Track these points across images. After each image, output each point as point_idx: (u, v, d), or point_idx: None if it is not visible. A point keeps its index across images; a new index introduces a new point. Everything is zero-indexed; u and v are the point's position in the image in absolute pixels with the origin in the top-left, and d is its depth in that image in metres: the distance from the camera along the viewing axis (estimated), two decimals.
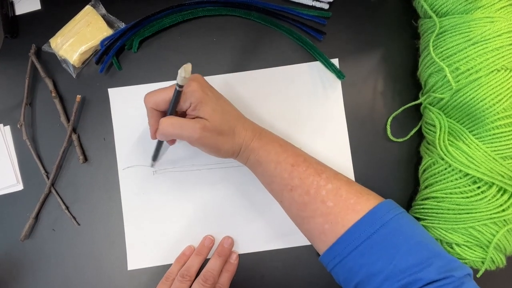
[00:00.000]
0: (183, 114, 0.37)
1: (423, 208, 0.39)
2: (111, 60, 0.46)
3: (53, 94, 0.45)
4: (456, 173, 0.37)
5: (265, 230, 0.44)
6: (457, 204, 0.37)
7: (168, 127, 0.35)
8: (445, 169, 0.38)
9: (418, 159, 0.44)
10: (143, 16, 0.45)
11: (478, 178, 0.36)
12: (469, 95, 0.36)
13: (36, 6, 0.48)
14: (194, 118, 0.36)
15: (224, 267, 0.43)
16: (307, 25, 0.45)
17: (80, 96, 0.45)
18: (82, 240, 0.44)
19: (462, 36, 0.37)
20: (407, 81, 0.45)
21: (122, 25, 0.46)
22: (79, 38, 0.45)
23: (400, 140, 0.44)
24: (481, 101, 0.35)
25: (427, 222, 0.39)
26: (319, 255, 0.37)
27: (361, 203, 0.35)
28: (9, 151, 0.46)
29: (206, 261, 0.43)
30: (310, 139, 0.44)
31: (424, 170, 0.41)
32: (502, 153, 0.35)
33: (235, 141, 0.38)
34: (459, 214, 0.37)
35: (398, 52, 0.45)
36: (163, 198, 0.44)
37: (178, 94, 0.34)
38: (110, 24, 0.47)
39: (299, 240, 0.43)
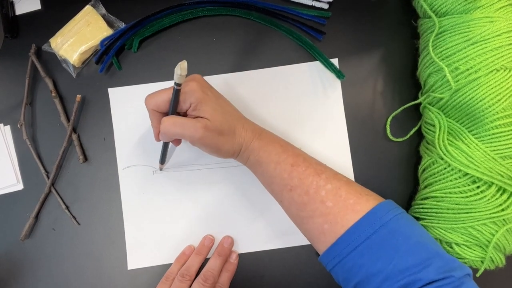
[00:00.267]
0: (184, 115, 0.37)
1: (422, 208, 0.40)
2: (111, 60, 0.46)
3: (53, 94, 0.45)
4: (455, 173, 0.37)
5: (265, 230, 0.44)
6: (456, 204, 0.37)
7: (170, 127, 0.35)
8: (445, 168, 0.38)
9: (418, 158, 0.44)
10: (143, 16, 0.45)
11: (478, 177, 0.36)
12: (469, 95, 0.36)
13: (36, 6, 0.48)
14: (195, 118, 0.36)
15: (224, 266, 0.43)
16: (307, 25, 0.45)
17: (80, 96, 0.45)
18: (82, 240, 0.44)
19: (462, 36, 0.37)
20: (407, 81, 0.45)
21: (122, 25, 0.47)
22: (79, 38, 0.45)
23: (400, 139, 0.44)
24: (480, 100, 0.35)
25: (426, 222, 0.39)
26: (319, 255, 0.37)
27: (361, 203, 0.35)
28: (9, 150, 0.46)
29: (206, 260, 0.43)
30: (310, 139, 0.44)
31: (424, 170, 0.41)
32: (502, 153, 0.35)
33: (235, 141, 0.38)
34: (459, 213, 0.37)
35: (398, 52, 0.45)
36: (163, 198, 0.44)
37: (177, 93, 0.34)
38: (110, 24, 0.47)
39: (299, 240, 0.43)
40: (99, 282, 0.44)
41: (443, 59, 0.38)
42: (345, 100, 0.45)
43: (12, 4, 0.48)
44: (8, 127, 0.46)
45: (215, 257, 0.42)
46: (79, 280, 0.44)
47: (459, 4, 0.37)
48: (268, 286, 0.43)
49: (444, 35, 0.38)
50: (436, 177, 0.39)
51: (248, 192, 0.44)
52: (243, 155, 0.39)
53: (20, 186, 0.46)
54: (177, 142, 0.42)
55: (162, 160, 0.43)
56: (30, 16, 0.48)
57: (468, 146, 0.36)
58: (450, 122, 0.38)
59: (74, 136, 0.45)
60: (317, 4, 0.46)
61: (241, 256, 0.44)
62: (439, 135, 0.38)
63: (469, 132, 0.37)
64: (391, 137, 0.44)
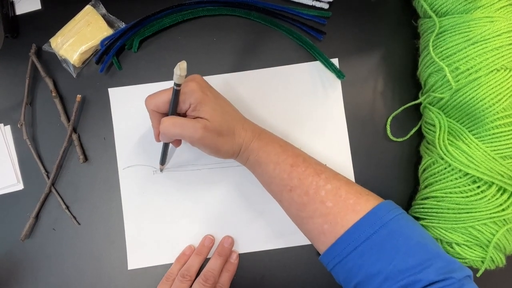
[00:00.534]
0: (184, 116, 0.37)
1: (423, 208, 0.39)
2: (111, 60, 0.46)
3: (54, 94, 0.45)
4: (455, 173, 0.37)
5: (265, 230, 0.44)
6: (456, 204, 0.37)
7: (170, 127, 0.35)
8: (445, 168, 0.38)
9: (418, 158, 0.44)
10: (143, 16, 0.45)
11: (478, 177, 0.36)
12: (469, 95, 0.36)
13: (36, 6, 0.48)
14: (194, 118, 0.36)
15: (225, 266, 0.43)
16: (307, 25, 0.45)
17: (80, 95, 0.45)
18: (82, 240, 0.44)
19: (462, 36, 0.37)
20: (407, 80, 0.45)
21: (122, 25, 0.47)
22: (79, 38, 0.45)
23: (400, 139, 0.44)
24: (480, 100, 0.35)
25: (427, 222, 0.39)
26: (319, 254, 0.37)
27: (361, 203, 0.35)
28: (9, 150, 0.46)
29: (206, 260, 0.43)
30: (310, 139, 0.44)
31: (424, 170, 0.41)
32: (502, 153, 0.35)
33: (235, 142, 0.38)
34: (459, 213, 0.37)
35: (398, 52, 0.45)
36: (163, 198, 0.44)
37: (176, 93, 0.34)
38: (110, 24, 0.47)
39: (299, 240, 0.43)
40: (99, 282, 0.44)
41: (443, 59, 0.38)
42: (345, 100, 0.45)
43: (12, 4, 0.48)
44: (8, 127, 0.46)
45: (215, 257, 0.42)
46: (79, 280, 0.44)
47: (459, 4, 0.37)
48: (268, 286, 0.43)
49: (445, 35, 0.38)
50: (437, 177, 0.39)
51: (248, 192, 0.44)
52: (242, 156, 0.39)
53: (20, 186, 0.46)
54: (177, 143, 0.42)
55: (163, 161, 0.43)
56: (30, 16, 0.48)
57: (469, 146, 0.36)
58: (450, 122, 0.38)
59: (74, 136, 0.45)
60: (317, 4, 0.46)
61: (241, 256, 0.44)
62: (439, 135, 0.38)
63: (469, 132, 0.37)
64: (391, 137, 0.44)
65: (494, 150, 0.36)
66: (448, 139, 0.38)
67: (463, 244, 0.37)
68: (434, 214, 0.38)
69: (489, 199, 0.36)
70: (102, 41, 0.45)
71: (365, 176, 0.44)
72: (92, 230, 0.45)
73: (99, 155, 0.45)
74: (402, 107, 0.43)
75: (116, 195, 0.45)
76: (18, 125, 0.45)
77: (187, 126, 0.35)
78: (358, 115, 0.45)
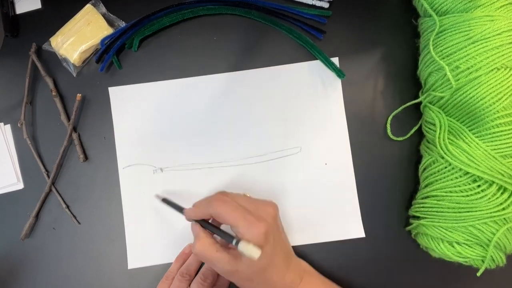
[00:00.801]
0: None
1: (423, 207, 0.39)
2: (112, 59, 0.46)
3: (54, 93, 0.45)
4: (456, 172, 0.37)
5: None
6: (457, 203, 0.37)
7: (201, 251, 0.34)
8: (445, 167, 0.38)
9: (418, 157, 0.44)
10: (143, 15, 0.45)
11: (478, 176, 0.36)
12: (469, 94, 0.36)
13: (36, 5, 0.48)
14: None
15: None
16: (307, 24, 0.45)
17: (80, 95, 0.45)
18: (83, 239, 0.44)
19: (462, 35, 0.37)
20: (407, 80, 0.45)
21: (122, 24, 0.47)
22: (79, 37, 0.45)
23: (400, 139, 0.44)
24: (481, 99, 0.35)
25: (427, 221, 0.39)
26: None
27: None
28: (9, 150, 0.46)
29: None
30: (310, 138, 0.44)
31: (424, 169, 0.41)
32: (502, 152, 0.35)
33: None
34: (459, 212, 0.37)
35: (398, 51, 0.45)
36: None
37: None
38: (110, 23, 0.47)
39: (299, 240, 0.43)
40: (99, 281, 0.44)
41: (443, 58, 0.38)
42: (346, 99, 0.45)
43: (12, 3, 0.48)
44: (8, 126, 0.46)
45: None
46: (79, 280, 0.44)
47: (459, 3, 0.37)
48: None
49: (445, 34, 0.38)
50: (437, 176, 0.39)
51: (248, 192, 0.44)
52: None
53: (20, 185, 0.46)
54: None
55: (177, 207, 0.40)
56: (30, 15, 0.48)
57: (469, 145, 0.36)
58: (450, 121, 0.38)
59: (74, 135, 0.45)
60: (318, 3, 0.46)
61: None
62: (439, 134, 0.38)
63: (469, 131, 0.37)
64: (391, 136, 0.44)
65: (495, 149, 0.35)
66: (448, 138, 0.38)
67: (464, 243, 0.37)
68: (434, 213, 0.38)
69: (489, 198, 0.36)
70: (102, 40, 0.45)
71: (365, 175, 0.44)
72: (92, 230, 0.45)
73: (99, 154, 0.45)
74: (402, 106, 0.43)
75: (116, 194, 0.45)
76: (18, 124, 0.45)
77: (217, 261, 0.34)
78: (358, 114, 0.45)
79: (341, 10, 0.46)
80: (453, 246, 0.37)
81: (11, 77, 0.47)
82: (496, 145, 0.36)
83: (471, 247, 0.37)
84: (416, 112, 0.44)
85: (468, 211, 0.36)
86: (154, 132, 0.45)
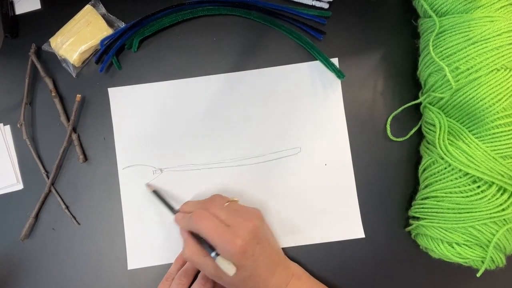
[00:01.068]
0: None
1: (423, 208, 0.39)
2: (111, 60, 0.46)
3: (53, 94, 0.45)
4: (456, 173, 0.37)
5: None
6: (457, 204, 0.37)
7: (188, 255, 0.36)
8: (445, 168, 0.38)
9: (418, 158, 0.44)
10: (143, 16, 0.45)
11: (478, 177, 0.36)
12: (469, 95, 0.36)
13: (36, 5, 0.48)
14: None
15: None
16: (307, 24, 0.45)
17: (80, 95, 0.45)
18: (82, 240, 0.44)
19: (462, 36, 0.37)
20: (407, 80, 0.45)
21: (122, 25, 0.47)
22: (79, 38, 0.45)
23: (400, 139, 0.44)
24: (480, 100, 0.35)
25: (427, 222, 0.39)
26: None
27: None
28: (9, 150, 0.46)
29: None
30: (310, 139, 0.44)
31: (424, 170, 0.41)
32: (502, 153, 0.35)
33: None
34: (459, 213, 0.37)
35: (398, 52, 0.45)
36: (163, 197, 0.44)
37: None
38: (110, 23, 0.47)
39: (299, 240, 0.43)
40: (99, 282, 0.44)
41: (443, 59, 0.38)
42: (345, 100, 0.45)
43: (12, 4, 0.48)
44: (8, 127, 0.46)
45: None
46: (79, 280, 0.44)
47: (459, 4, 0.37)
48: None
49: (445, 34, 0.38)
50: (437, 176, 0.39)
51: (248, 193, 0.44)
52: None
53: (20, 186, 0.46)
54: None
55: (170, 207, 0.42)
56: (30, 15, 0.48)
57: (469, 146, 0.36)
58: (450, 122, 0.38)
59: (74, 136, 0.45)
60: (317, 4, 0.46)
61: None
62: (439, 134, 0.38)
63: (469, 131, 0.37)
64: (391, 137, 0.44)
65: (494, 150, 0.35)
66: (448, 139, 0.38)
67: (463, 244, 0.37)
68: (434, 214, 0.38)
69: (489, 199, 0.36)
70: (102, 41, 0.45)
71: (365, 176, 0.44)
72: (92, 230, 0.44)
73: (99, 155, 0.45)
74: (402, 107, 0.43)
75: (116, 195, 0.45)
76: (18, 125, 0.45)
77: (204, 266, 0.36)
78: (358, 115, 0.45)
79: (341, 11, 0.46)
80: (452, 247, 0.37)
81: (10, 77, 0.47)
82: (496, 146, 0.36)
83: (471, 248, 0.37)
84: (416, 113, 0.44)
85: (468, 212, 0.36)
86: (154, 132, 0.45)
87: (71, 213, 0.45)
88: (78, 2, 0.46)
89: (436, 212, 0.38)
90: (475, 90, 0.36)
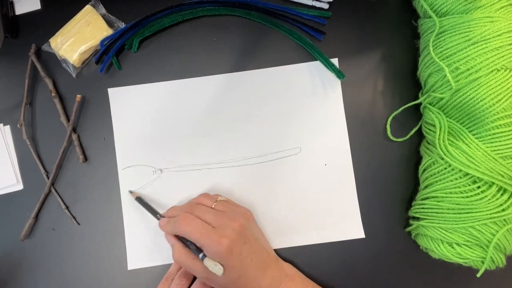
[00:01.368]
0: None
1: (423, 208, 0.39)
2: (111, 60, 0.46)
3: (53, 94, 0.45)
4: (456, 173, 0.37)
5: (265, 230, 0.44)
6: (457, 204, 0.37)
7: (176, 257, 0.37)
8: (445, 168, 0.38)
9: (418, 158, 0.44)
10: (143, 16, 0.45)
11: (478, 177, 0.36)
12: (469, 95, 0.36)
13: (36, 6, 0.48)
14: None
15: None
16: (307, 25, 0.45)
17: (80, 95, 0.45)
18: (82, 240, 0.44)
19: (462, 36, 0.37)
20: (407, 81, 0.45)
21: (122, 25, 0.47)
22: (79, 38, 0.45)
23: (400, 140, 0.44)
24: (481, 100, 0.35)
25: (427, 222, 0.39)
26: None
27: None
28: (9, 150, 0.46)
29: None
30: (310, 139, 0.44)
31: (424, 170, 0.41)
32: (502, 153, 0.35)
33: None
34: (459, 213, 0.37)
35: (398, 52, 0.45)
36: (163, 198, 0.44)
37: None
38: (110, 23, 0.47)
39: (299, 240, 0.43)
40: (99, 282, 0.44)
41: (443, 59, 0.38)
42: (345, 100, 0.45)
43: (12, 4, 0.48)
44: (8, 127, 0.46)
45: None
46: (79, 280, 0.44)
47: (459, 4, 0.37)
48: None
49: (445, 35, 0.38)
50: (437, 177, 0.39)
51: (248, 192, 0.44)
52: None
53: (20, 186, 0.46)
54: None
55: (155, 213, 0.42)
56: (30, 16, 0.48)
57: (469, 146, 0.36)
58: (450, 122, 0.38)
59: (74, 136, 0.45)
60: (317, 4, 0.46)
61: None
62: (439, 135, 0.38)
63: (469, 132, 0.37)
64: (391, 137, 0.44)
65: (494, 150, 0.35)
66: (448, 139, 0.38)
67: (463, 244, 0.37)
68: (434, 214, 0.38)
69: (489, 199, 0.36)
70: (102, 41, 0.45)
71: (365, 176, 0.44)
72: (91, 230, 0.44)
73: (99, 155, 0.45)
74: (402, 107, 0.43)
75: (116, 195, 0.45)
76: (18, 125, 0.45)
77: (194, 268, 0.36)
78: (358, 115, 0.45)
79: (340, 11, 0.46)
80: (453, 247, 0.37)
81: (10, 78, 0.47)
82: (496, 146, 0.36)
83: (471, 248, 0.37)
84: (416, 113, 0.44)
85: (468, 212, 0.36)
86: (154, 133, 0.45)
87: (71, 213, 0.45)
88: (78, 3, 0.46)
89: (436, 213, 0.38)
90: (475, 91, 0.36)
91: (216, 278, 0.35)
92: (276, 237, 0.43)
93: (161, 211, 0.43)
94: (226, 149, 0.45)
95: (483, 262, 0.37)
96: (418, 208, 0.40)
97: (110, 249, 0.44)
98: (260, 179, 0.44)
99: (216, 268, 0.33)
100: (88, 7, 0.46)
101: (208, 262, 0.34)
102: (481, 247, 0.37)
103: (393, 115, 0.44)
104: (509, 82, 0.35)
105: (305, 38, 0.45)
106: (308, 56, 0.45)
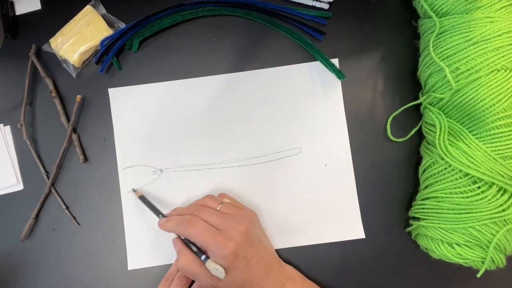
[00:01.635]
0: None
1: (423, 208, 0.39)
2: (111, 60, 0.46)
3: (53, 94, 0.45)
4: (456, 173, 0.37)
5: (266, 230, 0.44)
6: (457, 204, 0.37)
7: (183, 265, 0.36)
8: (445, 169, 0.38)
9: (418, 159, 0.44)
10: (143, 16, 0.45)
11: (478, 178, 0.36)
12: (469, 95, 0.36)
13: (36, 6, 0.48)
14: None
15: None
16: (307, 25, 0.45)
17: (80, 96, 0.45)
18: (82, 240, 0.44)
19: (462, 36, 0.37)
20: (407, 81, 0.45)
21: (122, 25, 0.47)
22: (79, 38, 0.45)
23: (400, 140, 0.44)
24: (481, 101, 0.35)
25: (427, 222, 0.39)
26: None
27: None
28: (9, 151, 0.46)
29: None
30: (310, 139, 0.44)
31: (424, 170, 0.41)
32: (502, 153, 0.35)
33: None
34: (459, 214, 0.37)
35: (398, 52, 0.45)
36: (163, 198, 0.44)
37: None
38: (110, 24, 0.47)
39: (299, 240, 0.43)
40: (99, 282, 0.44)
41: (443, 59, 0.38)
42: (346, 100, 0.45)
43: (12, 4, 0.48)
44: (8, 127, 0.46)
45: None
46: (79, 280, 0.44)
47: (459, 4, 0.37)
48: None
49: (445, 35, 0.38)
50: (437, 177, 0.39)
51: (248, 193, 0.44)
52: None
53: (20, 187, 0.46)
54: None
55: (157, 212, 0.41)
56: (30, 16, 0.48)
57: (469, 147, 0.36)
58: (450, 123, 0.38)
59: (74, 136, 0.45)
60: (318, 4, 0.46)
61: None
62: (439, 135, 0.38)
63: (469, 132, 0.37)
64: (391, 138, 0.44)
65: (495, 151, 0.35)
66: (448, 140, 0.38)
67: (464, 245, 0.37)
68: (434, 214, 0.38)
69: (489, 200, 0.36)
70: (102, 41, 0.45)
71: (365, 176, 0.44)
72: (92, 231, 0.44)
73: (99, 155, 0.45)
74: (402, 108, 0.43)
75: (116, 195, 0.45)
76: (18, 126, 0.45)
77: (200, 275, 0.35)
78: (358, 115, 0.45)
79: (341, 11, 0.46)
80: (453, 248, 0.37)
81: (10, 78, 0.47)
82: (496, 146, 0.36)
83: (471, 249, 0.37)
84: (416, 113, 0.44)
85: (468, 213, 0.36)
86: (154, 133, 0.45)
87: (71, 214, 0.45)
88: (78, 3, 0.46)
89: (437, 213, 0.38)
90: (476, 91, 0.36)
91: (221, 283, 0.35)
92: (276, 237, 0.43)
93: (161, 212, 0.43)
94: (226, 149, 0.45)
95: (483, 263, 0.37)
96: (418, 208, 0.40)
97: (110, 249, 0.44)
98: (260, 179, 0.44)
99: (218, 271, 0.33)
100: (88, 7, 0.46)
101: (210, 264, 0.34)
102: (481, 247, 0.37)
103: (393, 115, 0.44)
104: (509, 82, 0.35)
105: (305, 38, 0.45)
106: (308, 56, 0.45)
